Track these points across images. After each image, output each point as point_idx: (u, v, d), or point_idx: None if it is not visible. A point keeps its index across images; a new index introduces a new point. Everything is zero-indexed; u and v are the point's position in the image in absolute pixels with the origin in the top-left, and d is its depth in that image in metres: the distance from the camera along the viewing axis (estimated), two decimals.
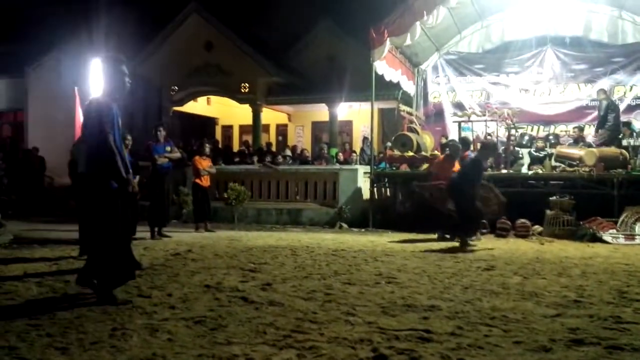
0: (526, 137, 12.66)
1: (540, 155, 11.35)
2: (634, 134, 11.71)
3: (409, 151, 11.44)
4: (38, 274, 5.32)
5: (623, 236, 8.76)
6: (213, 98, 19.88)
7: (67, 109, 13.91)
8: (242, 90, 18.09)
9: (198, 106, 19.75)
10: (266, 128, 20.14)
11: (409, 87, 14.33)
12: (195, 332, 3.35)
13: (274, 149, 17.35)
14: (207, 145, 10.65)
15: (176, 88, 18.35)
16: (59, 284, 4.87)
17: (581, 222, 9.18)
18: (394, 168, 11.93)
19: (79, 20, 18.34)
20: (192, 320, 3.58)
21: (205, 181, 10.08)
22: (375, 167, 11.80)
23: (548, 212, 9.40)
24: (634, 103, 13.20)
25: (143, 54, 18.63)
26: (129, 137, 8.22)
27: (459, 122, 12.12)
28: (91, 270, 4.18)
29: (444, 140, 12.65)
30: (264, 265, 5.92)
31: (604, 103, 11.76)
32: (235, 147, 19.72)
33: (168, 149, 8.77)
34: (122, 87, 4.25)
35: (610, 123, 11.47)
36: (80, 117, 9.01)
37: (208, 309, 3.91)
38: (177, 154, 9.02)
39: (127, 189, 4.19)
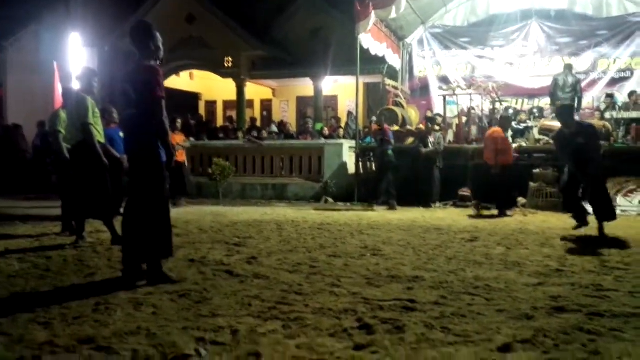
0: (510, 111, 12.68)
1: (522, 128, 11.40)
2: (617, 106, 11.79)
3: (395, 125, 11.42)
4: (20, 250, 5.26)
5: None
6: (196, 73, 19.62)
7: (46, 83, 13.56)
8: (226, 65, 17.85)
9: (180, 81, 19.47)
10: (250, 103, 19.95)
11: (394, 61, 14.22)
12: (180, 305, 3.33)
13: (258, 124, 17.22)
14: (178, 120, 10.58)
15: (158, 62, 18.03)
16: (41, 259, 4.82)
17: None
18: None
19: None
20: (176, 294, 3.56)
21: (180, 156, 10.00)
22: (360, 142, 11.77)
23: (532, 184, 9.48)
24: (618, 76, 13.26)
25: (123, 28, 18.20)
26: (115, 111, 8.08)
27: (444, 96, 12.10)
28: (139, 249, 3.94)
29: (429, 114, 12.63)
30: (249, 240, 5.91)
31: (570, 78, 11.96)
32: (220, 122, 19.55)
33: None
34: (157, 53, 4.01)
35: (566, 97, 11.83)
36: (59, 91, 8.83)
37: (193, 282, 3.89)
38: None
39: (171, 162, 4.01)
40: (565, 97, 12.03)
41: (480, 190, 8.97)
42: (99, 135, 5.61)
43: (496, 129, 9.03)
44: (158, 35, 4.02)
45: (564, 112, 6.53)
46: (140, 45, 3.97)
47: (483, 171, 8.83)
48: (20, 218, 7.94)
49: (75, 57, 13.98)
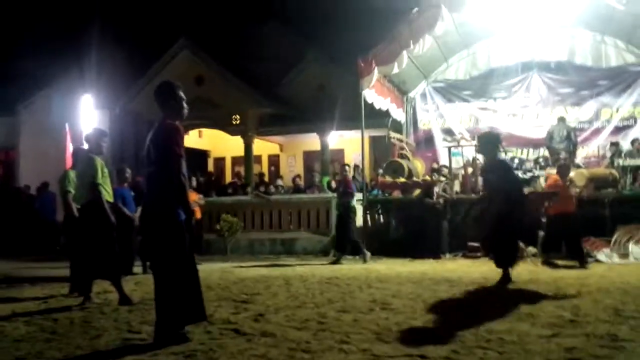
0: (516, 160, 12.74)
1: (528, 177, 11.42)
2: (622, 154, 11.82)
3: (401, 177, 11.48)
4: (26, 313, 5.22)
5: (617, 255, 8.76)
6: (205, 131, 19.99)
7: (58, 145, 13.88)
8: (233, 122, 18.20)
9: (190, 139, 19.78)
10: (258, 159, 20.20)
11: (398, 114, 14.45)
12: None
13: (266, 179, 17.35)
14: (193, 178, 10.67)
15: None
16: (48, 322, 4.78)
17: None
18: (387, 195, 11.94)
19: (69, 58, 18.52)
20: (182, 355, 3.51)
21: (197, 214, 10.05)
22: (367, 194, 11.81)
23: (541, 233, 9.39)
24: (621, 124, 13.35)
25: (134, 90, 18.77)
26: (128, 171, 8.25)
27: (449, 148, 12.19)
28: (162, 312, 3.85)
29: (435, 166, 12.71)
30: (256, 296, 5.85)
31: (564, 131, 12.13)
32: (228, 178, 19.73)
33: None
34: (182, 113, 4.11)
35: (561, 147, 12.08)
36: (69, 153, 9.02)
37: (199, 342, 3.83)
38: None
39: (191, 222, 4.02)
40: (558, 147, 12.18)
41: (547, 243, 8.71)
42: (108, 194, 5.68)
43: (555, 177, 8.91)
44: (181, 94, 4.11)
45: (480, 143, 6.46)
46: (164, 104, 4.06)
47: (550, 223, 8.69)
48: (29, 280, 7.93)
49: (87, 118, 14.34)
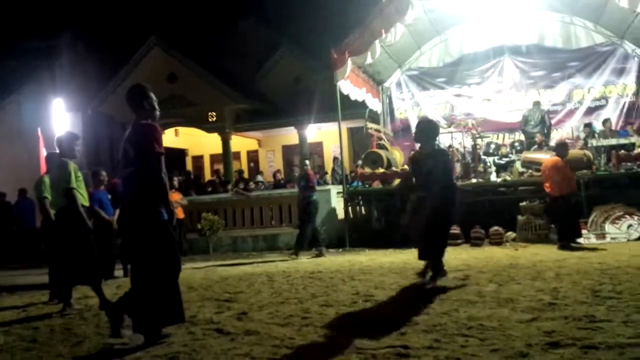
0: (492, 146, 12.88)
1: (504, 162, 11.56)
2: (596, 134, 12.02)
3: (380, 168, 11.51)
4: (5, 323, 5.13)
5: (594, 236, 8.92)
6: (181, 129, 19.80)
7: (31, 150, 13.63)
8: (210, 120, 18.08)
9: (166, 138, 19.46)
10: (237, 155, 20.11)
11: (374, 104, 14.47)
12: None
13: (246, 175, 17.28)
14: (175, 178, 10.57)
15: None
16: (28, 330, 4.70)
17: (552, 225, 9.31)
18: (367, 186, 11.98)
19: (39, 62, 18.15)
20: (165, 357, 3.48)
21: (179, 214, 9.96)
22: (348, 186, 11.83)
23: (520, 217, 9.53)
24: (593, 105, 13.56)
25: (105, 92, 18.52)
26: (104, 174, 8.13)
27: None
28: (136, 307, 3.83)
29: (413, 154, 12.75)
30: (239, 294, 5.83)
31: (539, 115, 12.31)
32: (207, 176, 19.61)
33: None
34: (154, 115, 4.07)
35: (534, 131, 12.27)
36: (44, 157, 8.86)
37: (182, 344, 3.80)
38: None
39: (173, 220, 3.96)
40: (533, 131, 12.35)
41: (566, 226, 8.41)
42: (83, 199, 5.59)
43: (554, 158, 8.63)
44: (152, 95, 4.09)
45: (418, 130, 5.97)
46: (136, 107, 4.04)
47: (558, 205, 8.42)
48: (7, 288, 7.79)
49: (59, 122, 14.08)
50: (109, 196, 8.18)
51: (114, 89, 18.38)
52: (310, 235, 9.77)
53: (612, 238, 8.73)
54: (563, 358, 2.96)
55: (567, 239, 8.25)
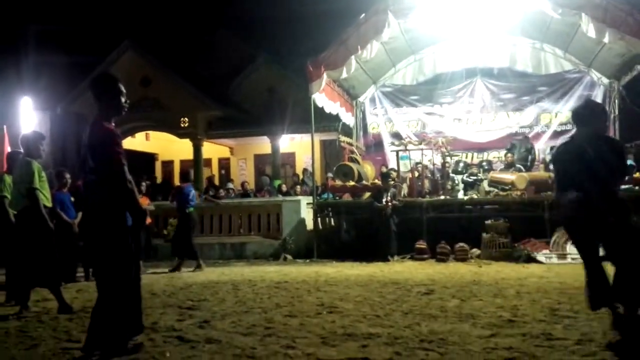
0: (461, 164, 13.09)
1: (472, 180, 11.77)
2: None
3: (351, 181, 11.59)
4: None
5: (556, 256, 9.13)
6: (152, 133, 19.59)
7: None
8: (182, 125, 17.94)
9: (136, 142, 19.37)
10: (208, 162, 19.98)
11: (348, 118, 14.59)
12: None
13: (217, 182, 17.16)
14: (142, 183, 10.41)
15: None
16: None
17: (516, 244, 9.51)
18: (337, 198, 12.03)
19: (6, 59, 17.76)
20: None
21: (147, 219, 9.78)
22: (318, 198, 11.85)
23: (484, 235, 9.69)
24: (560, 129, 13.93)
25: (76, 91, 18.21)
26: (67, 175, 7.95)
27: (397, 152, 12.42)
28: (102, 324, 3.60)
29: (384, 170, 12.89)
30: (203, 302, 5.77)
31: (524, 147, 12.67)
32: (177, 182, 19.38)
33: None
34: (119, 107, 3.81)
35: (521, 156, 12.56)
36: (5, 154, 8.64)
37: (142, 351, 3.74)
38: None
39: (142, 224, 3.78)
40: (520, 156, 12.55)
41: None
42: (46, 199, 5.46)
43: None
44: (121, 87, 3.82)
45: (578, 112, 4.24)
46: (100, 97, 3.77)
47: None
48: None
49: (27, 120, 13.77)
50: (72, 199, 8.02)
51: (86, 88, 18.05)
52: (188, 249, 9.43)
53: (572, 259, 8.90)
54: None
55: None
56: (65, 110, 18.20)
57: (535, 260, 8.97)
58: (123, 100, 3.82)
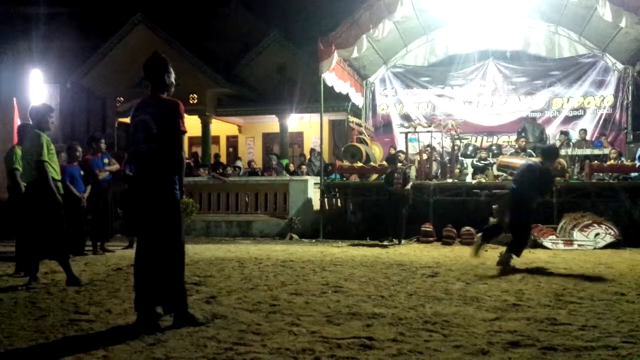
0: (470, 148, 13.00)
1: (482, 165, 11.70)
2: (571, 143, 12.24)
3: (359, 162, 11.56)
4: None
5: (562, 242, 9.11)
6: None
7: (5, 120, 13.32)
8: (191, 102, 17.91)
9: None
10: (216, 140, 19.98)
11: (357, 99, 14.50)
12: (133, 348, 3.24)
13: (225, 160, 17.20)
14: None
15: (121, 99, 17.95)
16: None
17: None
18: (345, 179, 12.02)
19: (18, 31, 17.71)
20: (129, 338, 3.46)
21: None
22: (325, 178, 11.84)
23: (491, 219, 9.64)
24: (571, 114, 13.80)
25: (86, 65, 18.20)
26: (79, 149, 7.98)
27: (406, 134, 12.36)
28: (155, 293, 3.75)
29: (392, 151, 12.84)
30: (209, 278, 5.81)
31: (537, 130, 12.60)
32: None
33: (106, 160, 8.58)
34: (172, 86, 3.98)
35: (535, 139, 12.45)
36: (16, 126, 8.68)
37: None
38: (116, 166, 8.80)
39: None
40: (534, 139, 12.46)
41: None
42: (55, 172, 5.49)
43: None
44: (172, 70, 3.99)
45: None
46: (156, 80, 3.91)
47: None
48: None
49: (36, 93, 13.77)
50: (82, 172, 8.06)
51: (96, 63, 18.09)
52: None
53: (579, 245, 8.91)
54: (522, 357, 3.04)
55: None
56: (75, 84, 18.20)
57: (541, 246, 8.95)
58: (173, 82, 4.01)
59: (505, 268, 6.38)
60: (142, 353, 3.12)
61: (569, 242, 9.06)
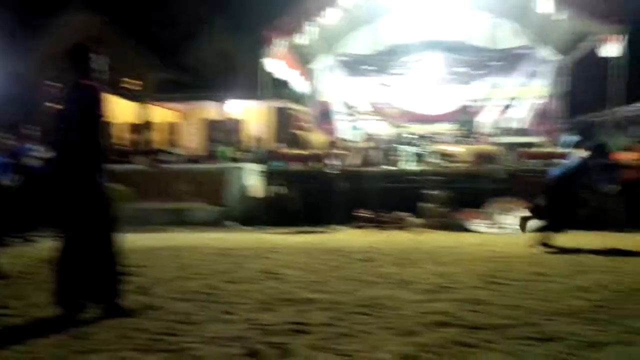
0: (409, 136, 13.24)
1: (419, 152, 11.96)
2: (507, 132, 12.69)
3: (299, 149, 11.56)
4: None
5: (489, 225, 9.51)
6: None
7: None
8: (130, 87, 17.30)
9: None
10: (156, 126, 19.44)
11: (301, 86, 14.45)
12: (56, 342, 3.12)
13: (164, 147, 16.78)
14: None
15: (55, 85, 17.14)
16: None
17: (453, 214, 9.81)
18: (286, 165, 11.98)
19: None
20: (54, 330, 3.33)
21: None
22: (268, 165, 11.77)
23: (424, 205, 9.94)
24: (508, 104, 14.24)
25: (21, 51, 17.27)
26: (7, 137, 7.62)
27: (347, 121, 12.42)
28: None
29: (332, 139, 12.90)
30: (142, 269, 5.65)
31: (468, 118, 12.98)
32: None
33: (36, 148, 8.23)
34: (94, 74, 3.84)
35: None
36: None
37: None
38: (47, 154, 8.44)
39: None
40: (464, 128, 12.85)
41: None
42: None
43: None
44: (98, 57, 3.89)
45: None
46: (79, 68, 3.81)
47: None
48: None
49: None
50: (8, 160, 7.69)
51: (30, 49, 17.19)
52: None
53: (510, 229, 9.29)
54: (449, 336, 3.13)
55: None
56: (6, 71, 17.27)
57: (471, 230, 9.29)
58: (99, 65, 3.88)
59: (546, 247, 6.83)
60: (65, 347, 3.01)
61: (501, 226, 9.44)
